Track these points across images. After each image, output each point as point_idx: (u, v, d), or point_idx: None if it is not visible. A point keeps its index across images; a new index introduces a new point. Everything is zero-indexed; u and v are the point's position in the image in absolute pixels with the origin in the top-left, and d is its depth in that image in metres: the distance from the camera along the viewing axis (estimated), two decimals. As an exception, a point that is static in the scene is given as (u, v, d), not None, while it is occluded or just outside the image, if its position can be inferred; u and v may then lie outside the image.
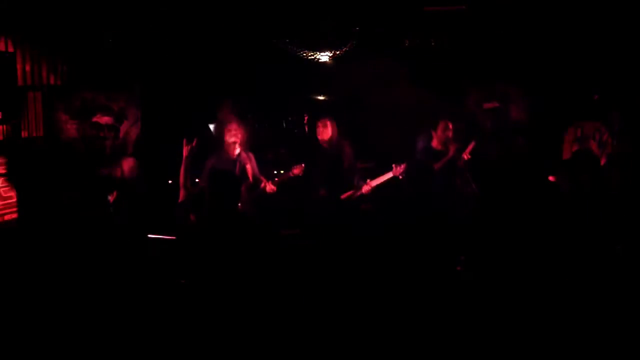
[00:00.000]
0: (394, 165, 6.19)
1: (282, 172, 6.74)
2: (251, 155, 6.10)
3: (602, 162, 6.51)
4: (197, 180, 5.58)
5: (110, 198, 6.09)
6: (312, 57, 9.30)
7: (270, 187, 5.76)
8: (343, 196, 6.19)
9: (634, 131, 6.67)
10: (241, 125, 6.05)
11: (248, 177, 5.83)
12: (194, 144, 5.16)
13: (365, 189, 6.11)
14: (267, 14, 7.73)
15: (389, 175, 6.20)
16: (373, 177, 6.27)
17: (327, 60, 9.35)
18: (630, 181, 5.88)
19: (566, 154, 7.26)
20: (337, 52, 9.22)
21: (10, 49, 6.03)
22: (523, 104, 7.44)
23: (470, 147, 6.57)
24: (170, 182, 7.22)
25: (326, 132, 6.42)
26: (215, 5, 7.01)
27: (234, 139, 5.84)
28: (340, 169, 6.34)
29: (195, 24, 8.09)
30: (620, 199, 5.16)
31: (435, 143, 6.54)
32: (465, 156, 6.48)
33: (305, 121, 8.39)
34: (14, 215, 6.01)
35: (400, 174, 6.09)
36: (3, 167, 5.98)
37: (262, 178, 5.94)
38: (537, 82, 7.40)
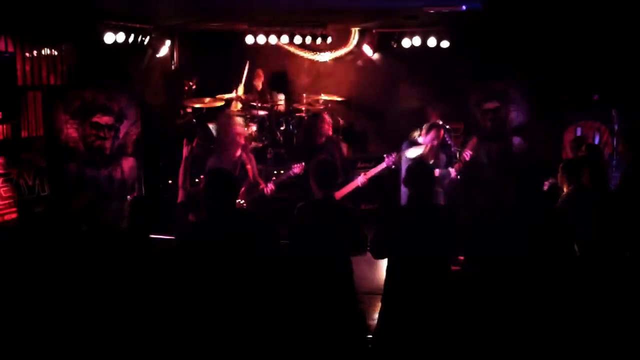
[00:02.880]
0: (385, 156, 6.18)
1: (282, 172, 6.72)
2: (251, 156, 6.07)
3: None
4: (197, 180, 5.56)
5: (129, 197, 6.07)
6: (312, 57, 9.33)
7: (269, 189, 5.72)
8: (338, 194, 6.06)
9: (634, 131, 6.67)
10: (245, 126, 5.97)
11: (248, 178, 5.81)
12: (194, 144, 5.15)
13: (361, 180, 6.06)
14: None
15: (383, 166, 6.17)
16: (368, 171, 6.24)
17: (327, 60, 9.38)
18: (630, 181, 5.87)
19: (566, 154, 7.26)
20: (337, 52, 9.25)
21: (10, 49, 6.03)
22: (523, 104, 7.44)
23: (457, 166, 6.59)
24: (170, 182, 7.22)
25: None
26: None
27: (238, 138, 5.70)
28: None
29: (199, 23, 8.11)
30: (620, 199, 5.15)
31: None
32: (454, 175, 6.48)
33: (305, 120, 8.39)
34: (14, 215, 6.02)
35: (394, 164, 6.07)
36: (3, 167, 5.98)
37: (261, 180, 5.92)
38: (537, 82, 7.41)
